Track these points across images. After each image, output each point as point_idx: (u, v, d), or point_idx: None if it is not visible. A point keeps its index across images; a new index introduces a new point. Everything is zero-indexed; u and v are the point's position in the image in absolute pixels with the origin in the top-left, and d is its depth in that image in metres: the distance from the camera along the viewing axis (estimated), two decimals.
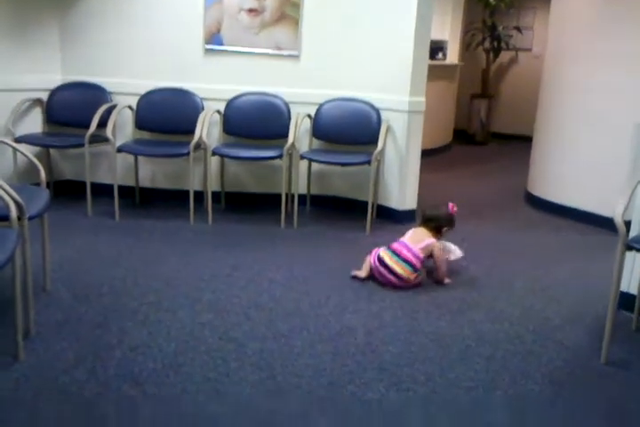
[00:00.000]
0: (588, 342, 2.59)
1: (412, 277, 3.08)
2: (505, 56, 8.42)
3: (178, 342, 2.45)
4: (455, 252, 3.29)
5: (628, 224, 2.44)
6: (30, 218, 2.40)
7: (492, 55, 8.15)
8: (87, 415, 1.94)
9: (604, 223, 4.15)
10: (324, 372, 2.27)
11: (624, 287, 2.81)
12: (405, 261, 3.07)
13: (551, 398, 2.15)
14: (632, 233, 2.65)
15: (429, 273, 3.22)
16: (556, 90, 4.62)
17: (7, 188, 2.29)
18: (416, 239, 3.16)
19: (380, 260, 3.10)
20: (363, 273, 3.18)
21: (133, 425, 1.90)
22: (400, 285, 3.07)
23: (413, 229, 3.26)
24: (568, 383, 2.25)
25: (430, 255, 3.16)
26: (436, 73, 6.38)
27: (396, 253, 3.10)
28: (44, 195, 2.69)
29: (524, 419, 2.02)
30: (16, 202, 2.27)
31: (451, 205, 3.30)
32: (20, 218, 2.28)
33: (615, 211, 2.30)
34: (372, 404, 2.07)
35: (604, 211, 4.20)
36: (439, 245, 3.18)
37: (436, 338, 2.57)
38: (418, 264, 3.08)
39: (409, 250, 3.10)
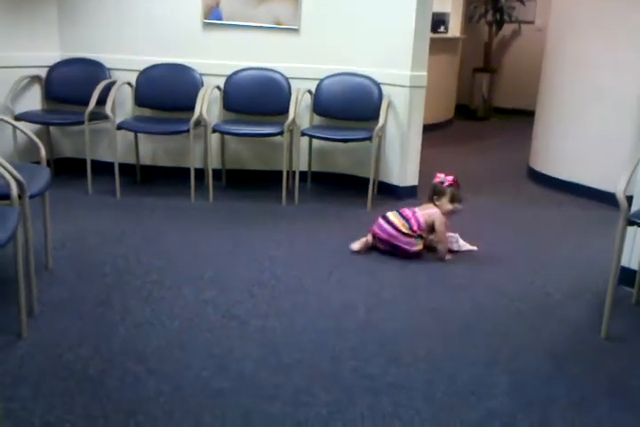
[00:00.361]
0: (588, 317, 2.61)
1: (410, 233, 3.12)
2: (507, 29, 8.30)
3: (181, 319, 2.47)
4: (461, 245, 3.31)
5: (629, 199, 2.44)
6: (31, 196, 2.39)
7: (494, 28, 8.04)
8: (92, 392, 1.96)
9: (605, 199, 4.13)
10: (326, 348, 2.29)
11: (625, 262, 2.82)
12: (405, 218, 3.16)
13: (551, 373, 2.17)
14: (634, 208, 2.65)
15: (432, 249, 3.23)
16: (559, 63, 4.57)
17: (8, 166, 2.28)
18: (422, 208, 3.24)
19: (385, 216, 3.21)
20: (356, 245, 3.23)
21: (138, 401, 1.93)
22: (398, 244, 3.13)
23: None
24: (568, 358, 2.27)
25: (433, 229, 3.17)
26: (438, 46, 6.30)
27: (399, 212, 3.22)
28: (44, 173, 2.69)
29: (525, 393, 2.04)
30: (17, 180, 2.26)
31: (439, 176, 3.27)
32: (20, 196, 2.28)
33: (617, 186, 2.29)
34: (373, 378, 2.09)
35: (606, 186, 4.19)
36: (441, 219, 3.18)
37: (436, 314, 2.59)
38: (415, 226, 3.13)
39: (413, 212, 3.19)
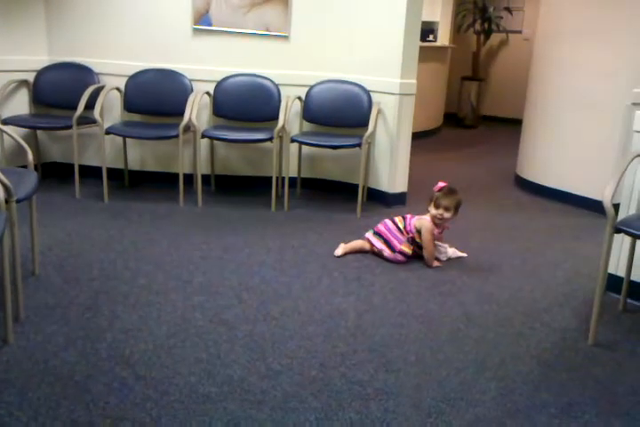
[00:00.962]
0: (576, 323, 2.62)
1: (403, 232, 3.22)
2: (495, 38, 8.39)
3: (169, 324, 2.45)
4: (450, 254, 3.32)
5: (616, 207, 2.45)
6: (18, 201, 2.37)
7: (482, 37, 8.11)
8: (78, 397, 1.94)
9: (592, 206, 4.18)
10: (315, 353, 2.28)
11: (612, 269, 2.84)
12: (405, 219, 3.28)
13: (539, 379, 2.18)
14: (620, 216, 2.67)
15: (420, 257, 3.24)
16: (546, 72, 4.61)
17: None
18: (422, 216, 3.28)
19: (392, 217, 3.35)
20: (339, 251, 3.27)
21: (124, 407, 1.91)
22: (389, 239, 3.21)
23: None
24: (556, 365, 2.28)
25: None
26: (427, 55, 6.35)
27: (403, 216, 3.33)
28: (32, 177, 2.67)
29: (513, 399, 2.05)
30: (4, 184, 2.24)
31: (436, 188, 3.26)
32: (7, 201, 2.26)
33: (604, 194, 2.31)
34: (362, 384, 2.09)
35: (592, 194, 4.23)
36: (429, 226, 3.19)
37: (425, 320, 2.59)
38: (408, 227, 3.23)
39: (411, 217, 3.28)
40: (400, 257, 3.21)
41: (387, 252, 3.22)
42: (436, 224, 3.20)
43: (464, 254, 3.34)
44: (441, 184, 3.22)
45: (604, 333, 2.51)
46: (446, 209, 3.16)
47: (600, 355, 2.36)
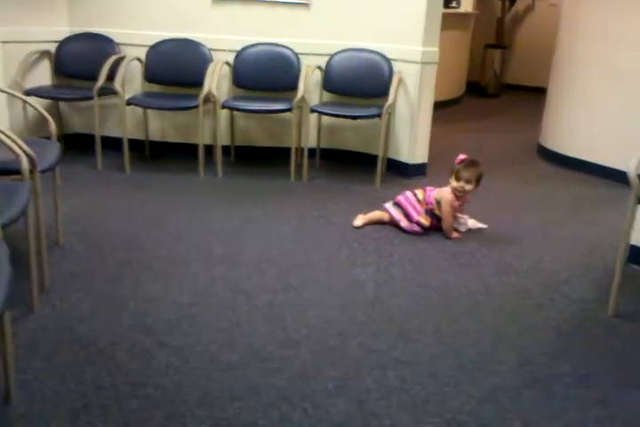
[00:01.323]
0: (595, 294, 2.61)
1: (422, 203, 3.22)
2: (521, 4, 8.17)
3: (190, 294, 2.50)
4: (470, 225, 3.30)
5: None
6: (42, 171, 2.41)
7: (507, 3, 7.90)
8: (102, 364, 2.00)
9: (616, 177, 4.10)
10: (334, 323, 2.31)
11: (634, 241, 2.80)
12: (426, 191, 3.26)
13: (557, 350, 2.18)
14: None
15: (440, 229, 3.23)
16: (573, 40, 4.49)
17: (19, 141, 2.29)
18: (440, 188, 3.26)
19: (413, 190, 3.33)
20: (358, 221, 3.28)
21: (147, 373, 1.96)
22: (407, 210, 3.22)
23: None
24: (575, 336, 2.28)
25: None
26: (450, 22, 6.20)
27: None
28: (54, 148, 2.70)
29: (531, 370, 2.06)
30: (28, 155, 2.27)
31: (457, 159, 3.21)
32: (31, 171, 2.29)
33: (629, 164, 2.27)
34: (380, 354, 2.11)
35: (617, 164, 4.15)
36: (448, 198, 3.16)
37: (443, 291, 2.60)
38: (428, 199, 3.21)
39: (432, 189, 3.25)
40: (417, 228, 3.20)
41: (404, 222, 3.21)
42: (457, 197, 3.18)
43: (484, 226, 3.32)
44: (462, 156, 3.18)
45: (624, 304, 2.50)
46: (467, 181, 3.13)
47: (619, 326, 2.35)
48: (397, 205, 3.28)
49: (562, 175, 4.43)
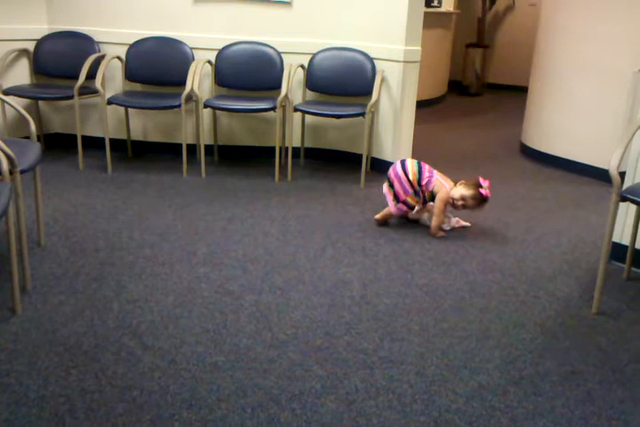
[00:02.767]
0: (579, 292, 2.63)
1: (413, 184, 3.19)
2: (501, 4, 8.23)
3: (175, 294, 2.47)
4: (452, 223, 3.31)
5: (622, 175, 2.44)
6: (22, 172, 2.37)
7: (488, 3, 7.96)
8: (86, 367, 1.97)
9: (598, 174, 4.16)
10: (320, 323, 2.30)
11: (616, 238, 2.84)
12: (420, 171, 3.20)
13: (543, 348, 2.20)
14: (626, 184, 2.66)
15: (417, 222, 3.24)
16: (553, 39, 4.53)
17: None
18: (443, 176, 3.24)
19: (403, 160, 3.29)
20: (379, 215, 3.31)
21: (133, 376, 1.94)
22: (395, 188, 3.22)
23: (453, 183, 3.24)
24: (560, 333, 2.30)
25: (432, 199, 3.21)
26: (431, 21, 6.24)
27: (419, 163, 3.26)
28: (35, 148, 2.66)
29: (517, 367, 2.07)
30: (7, 156, 2.24)
31: (484, 183, 3.15)
32: (12, 172, 2.26)
33: (610, 162, 2.29)
34: (367, 353, 2.11)
35: (598, 162, 4.20)
36: (446, 196, 3.15)
37: (429, 290, 2.61)
38: (424, 181, 3.18)
39: (431, 172, 3.21)
40: (403, 207, 3.24)
41: (392, 207, 3.25)
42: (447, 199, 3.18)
43: (467, 224, 3.34)
44: (488, 191, 3.13)
45: (607, 301, 2.53)
46: (464, 206, 3.16)
47: (603, 323, 2.38)
48: (390, 184, 3.27)
49: (544, 173, 4.47)
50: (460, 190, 3.14)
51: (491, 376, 2.02)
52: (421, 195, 3.22)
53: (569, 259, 2.98)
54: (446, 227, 3.28)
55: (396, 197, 3.24)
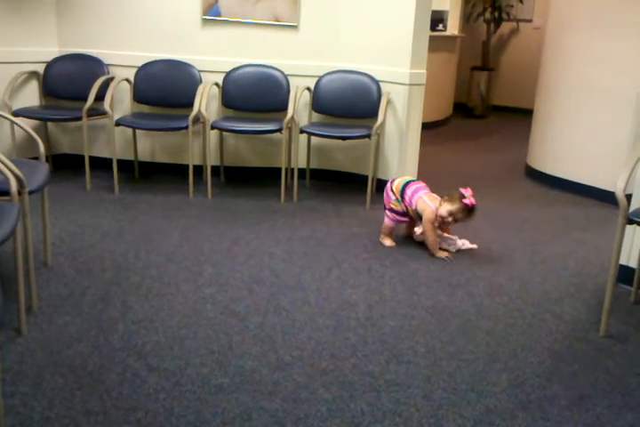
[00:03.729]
0: (586, 315, 2.61)
1: (395, 196, 3.29)
2: (506, 27, 8.31)
3: (181, 315, 2.47)
4: (459, 245, 3.31)
5: (629, 198, 2.44)
6: (30, 192, 2.38)
7: (492, 26, 8.04)
8: (91, 388, 1.96)
9: (604, 197, 4.15)
10: (326, 345, 2.29)
11: (623, 261, 2.83)
12: (403, 192, 3.28)
13: (550, 371, 2.18)
14: (633, 206, 2.65)
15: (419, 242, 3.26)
16: (557, 61, 4.57)
17: (7, 162, 2.27)
18: (430, 195, 3.26)
19: (393, 180, 3.41)
20: (387, 242, 3.34)
21: (138, 398, 1.93)
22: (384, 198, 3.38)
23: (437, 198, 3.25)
24: (567, 356, 2.28)
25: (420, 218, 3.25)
26: (437, 45, 6.31)
27: (407, 182, 3.33)
28: (43, 169, 2.68)
29: (524, 391, 2.05)
30: (16, 176, 2.25)
31: (467, 193, 3.16)
32: (20, 192, 2.27)
33: (617, 185, 2.29)
34: (373, 376, 2.10)
35: (604, 184, 4.20)
36: (431, 215, 3.17)
37: (435, 312, 2.60)
38: (407, 200, 3.26)
39: (416, 192, 3.26)
40: (393, 216, 3.30)
41: (385, 218, 3.36)
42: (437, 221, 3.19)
43: (474, 246, 3.33)
44: (472, 199, 3.14)
45: (615, 324, 2.51)
46: (455, 220, 3.17)
47: (611, 347, 2.36)
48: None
49: (549, 195, 4.47)
50: (446, 207, 3.15)
51: (498, 400, 2.00)
52: (405, 208, 3.28)
53: (576, 282, 2.97)
54: (452, 249, 3.28)
55: (384, 207, 3.35)
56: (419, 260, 3.16)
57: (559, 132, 4.58)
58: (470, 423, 1.87)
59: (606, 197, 4.14)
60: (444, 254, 3.20)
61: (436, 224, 3.21)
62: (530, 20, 8.23)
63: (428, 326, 2.47)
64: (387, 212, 3.34)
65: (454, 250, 3.28)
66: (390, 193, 3.32)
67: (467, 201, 3.13)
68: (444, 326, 2.47)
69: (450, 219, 3.15)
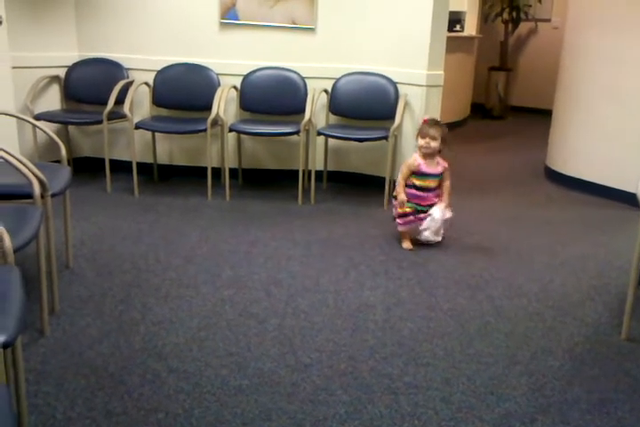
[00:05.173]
0: (607, 317, 2.59)
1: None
2: (524, 27, 8.25)
3: (200, 317, 2.49)
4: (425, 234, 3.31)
5: None
6: (53, 195, 2.42)
7: (510, 26, 7.99)
8: (112, 389, 1.99)
9: (625, 198, 4.10)
10: (344, 347, 2.30)
11: None
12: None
13: (571, 374, 2.16)
14: None
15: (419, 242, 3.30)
16: (577, 62, 4.53)
17: (30, 165, 2.31)
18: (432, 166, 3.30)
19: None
20: (405, 244, 3.33)
21: (158, 399, 1.95)
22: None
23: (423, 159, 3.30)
24: (588, 359, 2.26)
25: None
26: (454, 45, 6.27)
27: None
28: (65, 172, 2.72)
29: (544, 394, 2.04)
30: (39, 179, 2.29)
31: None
32: (43, 196, 2.31)
33: (638, 186, 2.27)
34: (392, 378, 2.10)
35: (625, 186, 4.15)
36: (407, 161, 3.32)
37: (454, 314, 2.59)
38: None
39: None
40: (400, 221, 3.31)
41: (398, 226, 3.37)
42: (424, 155, 3.25)
43: (448, 215, 3.26)
44: (426, 117, 3.37)
45: (636, 327, 2.48)
46: (433, 138, 3.22)
47: (633, 350, 2.33)
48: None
49: (569, 197, 4.43)
50: (419, 140, 3.25)
51: (518, 404, 1.99)
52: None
53: (596, 284, 2.94)
54: (422, 237, 3.28)
55: (393, 219, 3.36)
56: (436, 262, 3.15)
57: (579, 133, 4.54)
58: None
59: (627, 199, 4.09)
60: (408, 247, 3.27)
61: (423, 166, 3.24)
62: (548, 20, 8.17)
63: (446, 328, 2.47)
64: (397, 220, 3.32)
65: (424, 238, 3.27)
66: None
67: (422, 121, 3.31)
68: (462, 329, 2.46)
69: (428, 140, 3.21)
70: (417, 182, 3.28)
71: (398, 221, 3.31)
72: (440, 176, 3.30)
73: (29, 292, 2.54)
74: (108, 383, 2.02)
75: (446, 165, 3.34)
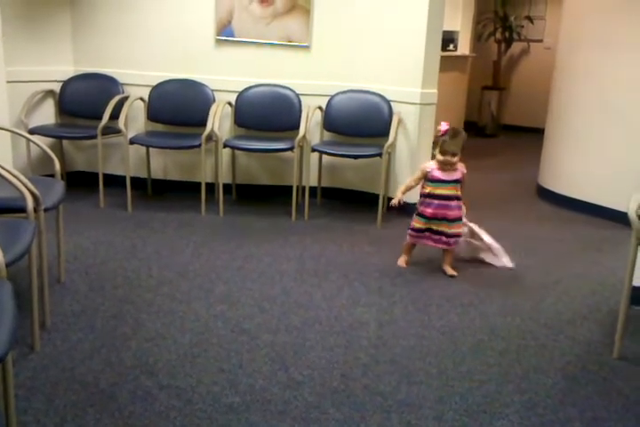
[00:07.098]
0: (600, 336, 2.59)
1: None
2: (516, 47, 8.36)
3: (192, 333, 2.47)
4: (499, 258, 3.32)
5: None
6: (46, 209, 2.41)
7: (503, 46, 8.09)
8: (103, 405, 1.96)
9: (617, 217, 4.12)
10: (337, 364, 2.29)
11: (637, 282, 2.80)
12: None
13: (564, 393, 2.16)
14: None
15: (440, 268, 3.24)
16: (569, 81, 4.59)
17: (24, 179, 2.31)
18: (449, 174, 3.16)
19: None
20: (400, 261, 3.31)
21: (149, 416, 1.93)
22: None
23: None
24: (581, 378, 2.26)
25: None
26: (447, 64, 6.32)
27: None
28: (58, 186, 2.71)
29: (537, 413, 2.03)
30: (32, 193, 2.28)
31: (440, 124, 3.17)
32: (36, 210, 2.30)
33: (629, 205, 2.29)
34: (384, 396, 2.08)
35: (617, 205, 4.18)
36: (421, 168, 3.23)
37: (447, 332, 2.58)
38: None
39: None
40: (411, 233, 3.27)
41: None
42: (443, 169, 3.13)
43: (504, 263, 3.29)
44: (445, 127, 3.11)
45: (629, 346, 2.48)
46: (453, 155, 3.09)
47: (625, 369, 2.33)
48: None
49: (561, 216, 4.46)
50: (437, 155, 3.12)
51: (511, 422, 1.98)
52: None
53: (589, 302, 2.95)
54: (495, 262, 3.30)
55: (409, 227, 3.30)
56: (430, 279, 3.15)
57: (570, 152, 4.57)
58: None
59: (619, 218, 4.12)
60: (452, 273, 3.19)
61: (439, 174, 3.12)
62: (540, 41, 8.27)
63: (439, 346, 2.46)
64: (409, 231, 3.29)
65: (497, 263, 3.29)
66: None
67: (441, 131, 3.11)
68: (455, 347, 2.46)
69: (449, 158, 3.07)
70: (429, 190, 3.15)
71: (410, 232, 3.27)
72: (457, 183, 3.14)
73: (20, 306, 2.53)
74: (99, 400, 2.00)
75: (465, 170, 3.17)
